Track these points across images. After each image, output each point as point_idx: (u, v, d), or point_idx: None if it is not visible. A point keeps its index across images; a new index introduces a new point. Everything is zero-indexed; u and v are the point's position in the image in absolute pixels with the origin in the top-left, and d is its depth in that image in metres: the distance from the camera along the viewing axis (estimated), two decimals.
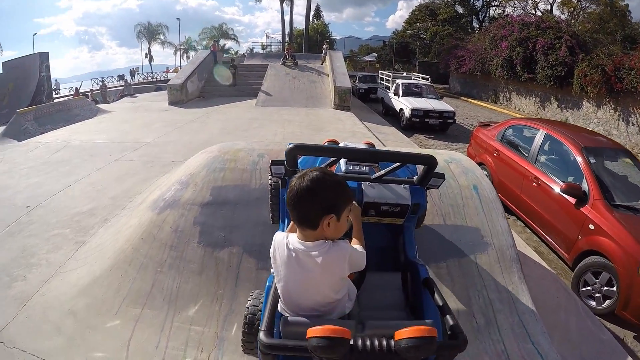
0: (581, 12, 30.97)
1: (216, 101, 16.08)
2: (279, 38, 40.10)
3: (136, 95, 21.47)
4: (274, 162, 2.32)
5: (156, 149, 8.26)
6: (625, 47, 20.24)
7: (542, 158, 5.78)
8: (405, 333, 1.30)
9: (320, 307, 1.63)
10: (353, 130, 11.17)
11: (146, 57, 48.91)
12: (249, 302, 2.23)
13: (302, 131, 10.75)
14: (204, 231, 3.34)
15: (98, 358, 2.67)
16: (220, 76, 17.26)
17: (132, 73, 34.33)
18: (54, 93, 23.37)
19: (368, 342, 1.35)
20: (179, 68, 24.97)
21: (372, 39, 54.98)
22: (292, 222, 1.70)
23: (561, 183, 4.99)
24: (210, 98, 16.94)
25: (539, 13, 30.71)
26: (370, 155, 2.38)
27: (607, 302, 4.17)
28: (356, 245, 1.80)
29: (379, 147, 5.06)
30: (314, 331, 1.28)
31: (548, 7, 32.74)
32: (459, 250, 3.36)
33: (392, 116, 15.60)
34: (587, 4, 30.52)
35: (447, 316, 1.68)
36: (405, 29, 44.42)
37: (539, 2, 33.11)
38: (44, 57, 18.70)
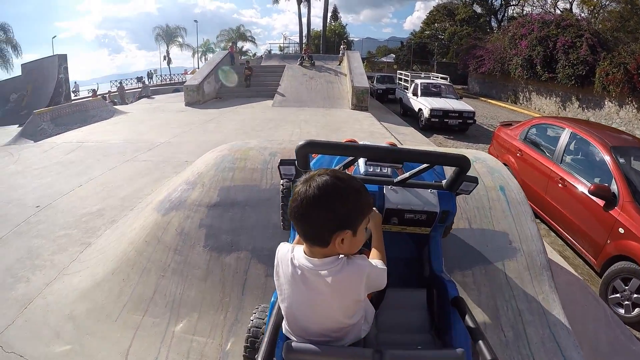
0: (601, 10, 30.08)
1: (233, 102, 16.01)
2: (297, 40, 40.12)
3: (154, 96, 21.59)
4: (283, 162, 2.08)
5: (170, 149, 8.17)
6: None
7: (568, 158, 5.51)
8: None
9: (331, 332, 1.38)
10: (371, 131, 10.93)
11: (164, 59, 49.49)
12: (252, 319, 2.05)
13: (318, 132, 10.55)
14: (210, 234, 3.13)
15: None
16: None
17: (150, 75, 34.58)
18: (73, 95, 23.73)
19: None
20: (197, 70, 25.03)
21: (390, 40, 54.44)
22: None
23: (589, 184, 4.73)
24: (227, 99, 16.88)
25: (558, 12, 29.93)
26: (393, 155, 1.99)
27: (637, 310, 3.93)
28: (375, 259, 1.53)
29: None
30: None
31: (567, 6, 31.89)
32: (485, 257, 3.10)
33: (410, 117, 15.33)
34: (607, 2, 29.61)
35: (481, 343, 1.43)
36: (423, 30, 44.06)
37: (558, 1, 32.28)
38: (62, 59, 18.96)
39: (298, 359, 1.30)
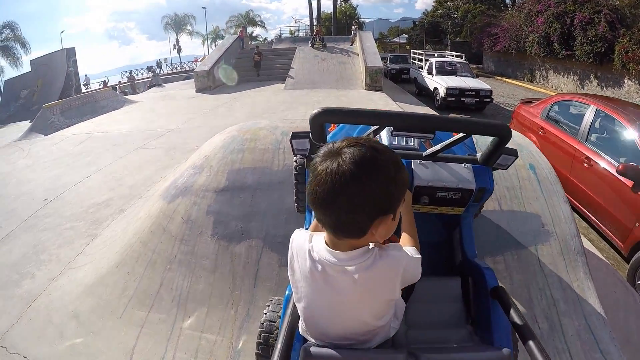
0: None
1: (244, 86, 15.70)
2: (307, 23, 39.43)
3: (164, 85, 21.43)
4: (295, 135, 1.80)
5: (180, 136, 7.98)
6: None
7: (593, 136, 5.16)
8: None
9: (356, 335, 1.14)
10: None
11: (174, 48, 49.14)
12: (265, 313, 1.82)
13: None
14: (219, 221, 2.87)
15: None
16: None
17: (159, 64, 34.34)
18: (84, 88, 23.78)
19: None
20: (207, 56, 24.78)
21: (402, 21, 53.17)
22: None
23: (616, 164, 4.40)
24: (238, 83, 16.56)
25: None
26: (426, 123, 1.66)
27: None
28: (408, 247, 1.27)
29: None
30: None
31: None
32: (517, 241, 2.83)
33: (425, 96, 14.87)
34: None
35: (532, 345, 1.17)
36: (436, 9, 42.83)
37: None
38: (70, 52, 18.95)
39: None
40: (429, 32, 39.84)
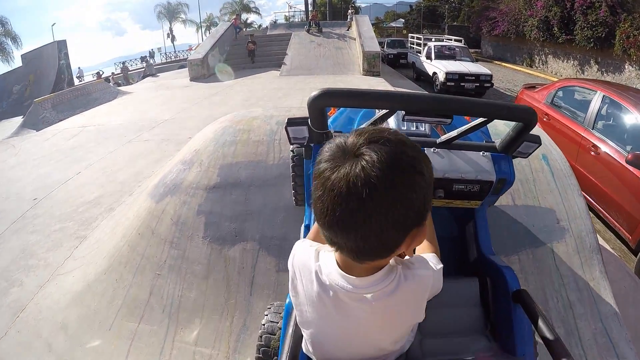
0: None
1: (239, 74, 15.30)
2: (302, 8, 38.77)
3: (158, 74, 21.03)
4: (292, 122, 1.59)
5: (173, 126, 7.73)
6: None
7: (600, 124, 4.99)
8: None
9: (370, 359, 0.99)
10: None
11: (168, 37, 48.33)
12: (264, 322, 1.65)
13: None
14: (210, 222, 2.66)
15: None
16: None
17: (152, 54, 33.66)
18: (77, 81, 23.42)
19: None
20: (200, 44, 24.35)
21: (398, 5, 52.09)
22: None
23: (625, 153, 4.24)
24: (233, 71, 16.19)
25: None
26: (444, 105, 1.44)
27: None
28: (429, 254, 1.06)
29: None
30: None
31: None
32: (532, 239, 2.65)
33: (424, 81, 14.62)
34: None
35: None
36: None
37: None
38: (61, 45, 18.56)
39: None
40: (426, 17, 39.20)
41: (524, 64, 21.78)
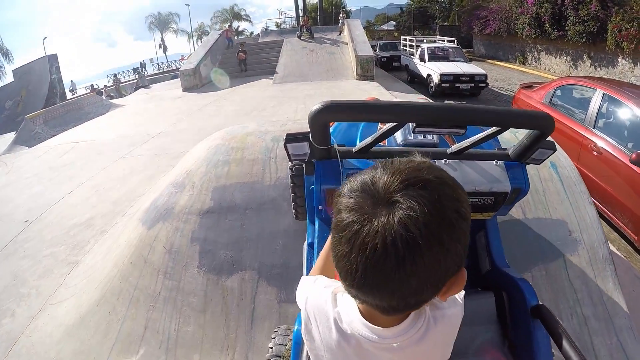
0: None
1: (232, 82, 15.21)
2: (293, 14, 38.71)
3: (151, 86, 20.94)
4: (290, 138, 1.48)
5: (166, 140, 7.60)
6: None
7: (602, 123, 4.89)
8: None
9: None
10: None
11: (160, 47, 48.15)
12: (271, 346, 1.58)
13: None
14: (205, 250, 2.51)
15: None
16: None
17: (143, 65, 33.37)
18: (70, 94, 23.27)
19: None
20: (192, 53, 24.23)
21: (389, 7, 52.16)
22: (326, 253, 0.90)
23: (629, 152, 4.15)
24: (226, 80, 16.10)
25: None
26: (458, 115, 1.35)
27: None
28: None
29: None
30: None
31: None
32: (544, 253, 2.54)
33: (418, 83, 14.52)
34: None
35: None
36: None
37: None
38: (52, 59, 18.50)
39: None
40: (416, 18, 39.48)
41: (517, 61, 21.82)
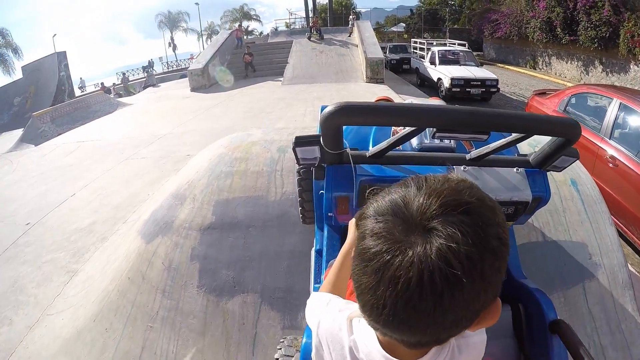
0: None
1: (240, 83, 15.16)
2: (303, 15, 38.61)
3: (159, 84, 20.94)
4: (300, 142, 1.39)
5: (172, 142, 7.50)
6: None
7: (618, 133, 4.69)
8: None
9: None
10: None
11: (169, 46, 48.20)
12: (278, 355, 1.52)
13: None
14: (206, 269, 2.39)
15: None
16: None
17: (151, 64, 33.22)
18: (80, 91, 23.33)
19: None
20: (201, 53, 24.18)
21: (399, 9, 51.89)
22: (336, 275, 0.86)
23: None
24: (234, 80, 16.00)
25: None
26: (482, 120, 1.26)
27: None
28: None
29: None
30: None
31: None
32: (563, 279, 2.41)
33: (428, 87, 14.34)
34: None
35: None
36: None
37: None
38: (61, 56, 18.54)
39: None
40: (427, 20, 39.13)
41: (528, 66, 21.53)
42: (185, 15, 48.58)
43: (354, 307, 0.77)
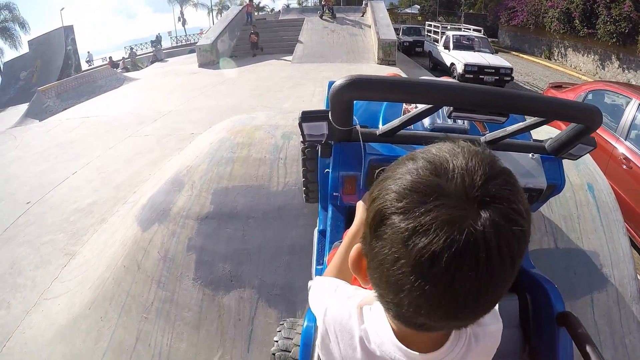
0: None
1: (249, 60, 14.93)
2: None
3: (167, 59, 20.74)
4: (307, 117, 1.31)
5: (177, 119, 7.36)
6: None
7: (635, 135, 4.51)
8: None
9: None
10: None
11: (179, 20, 47.66)
12: (276, 340, 1.49)
13: None
14: (202, 261, 2.30)
15: None
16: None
17: (159, 39, 32.72)
18: (87, 65, 23.17)
19: None
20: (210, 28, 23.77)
21: None
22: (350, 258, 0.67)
23: None
24: (243, 57, 15.77)
25: None
26: (503, 101, 1.18)
27: None
28: None
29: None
30: None
31: None
32: (573, 289, 2.31)
33: (440, 71, 14.09)
34: None
35: None
36: None
37: None
38: (69, 30, 18.37)
39: None
40: (442, 3, 38.28)
41: (543, 56, 20.99)
42: None
43: (363, 293, 0.73)
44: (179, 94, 9.75)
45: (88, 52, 28.36)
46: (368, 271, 0.57)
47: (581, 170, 2.68)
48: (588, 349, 1.16)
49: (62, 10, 25.84)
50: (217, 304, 2.17)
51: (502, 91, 1.19)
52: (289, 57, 14.41)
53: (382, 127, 1.40)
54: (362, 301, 0.72)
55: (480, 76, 11.69)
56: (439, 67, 14.54)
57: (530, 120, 1.36)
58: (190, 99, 9.18)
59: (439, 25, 18.32)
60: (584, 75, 16.01)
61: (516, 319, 1.52)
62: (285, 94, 9.22)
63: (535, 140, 1.59)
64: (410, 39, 19.93)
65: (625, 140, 4.41)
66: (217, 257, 2.32)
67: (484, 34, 16.00)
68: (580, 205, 2.54)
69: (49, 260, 3.50)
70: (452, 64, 12.68)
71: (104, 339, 2.35)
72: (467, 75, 11.70)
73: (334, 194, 1.49)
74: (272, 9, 41.77)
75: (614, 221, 2.55)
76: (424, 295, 0.48)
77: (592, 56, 17.18)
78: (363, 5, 19.25)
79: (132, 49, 26.57)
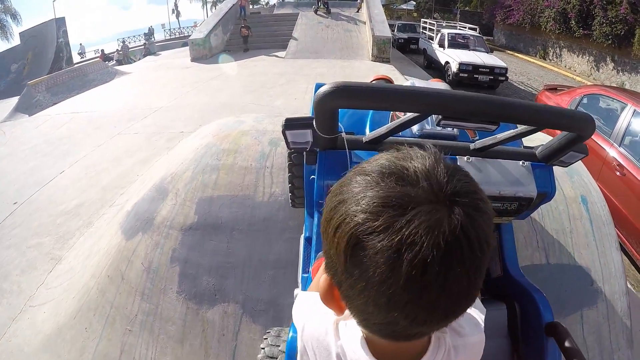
0: None
1: (242, 55, 14.81)
2: None
3: (159, 53, 20.50)
4: (290, 124, 1.27)
5: (167, 116, 7.30)
6: None
7: (629, 141, 4.46)
8: None
9: None
10: None
11: (173, 12, 47.03)
12: (263, 347, 1.46)
13: None
14: (186, 274, 2.26)
15: None
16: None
17: (151, 32, 32.17)
18: (79, 57, 22.88)
19: None
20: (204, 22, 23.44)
21: None
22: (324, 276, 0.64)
23: None
24: (237, 52, 15.60)
25: None
26: (495, 110, 1.16)
27: None
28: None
29: None
30: None
31: None
32: (562, 306, 2.29)
33: (435, 69, 14.04)
34: None
35: None
36: None
37: None
38: (60, 22, 18.18)
39: None
40: (438, 0, 37.94)
41: (537, 55, 21.06)
42: None
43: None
44: (171, 89, 9.65)
45: (80, 44, 27.97)
46: (345, 300, 0.56)
47: (575, 182, 2.66)
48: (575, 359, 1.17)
49: (54, 1, 25.40)
50: (201, 318, 2.14)
51: (492, 99, 1.17)
52: (283, 53, 14.27)
53: (368, 134, 1.37)
54: (338, 317, 0.69)
55: (475, 75, 11.65)
56: (433, 65, 14.48)
57: (521, 127, 1.34)
58: (181, 94, 9.09)
59: (435, 22, 18.22)
60: (578, 76, 16.09)
61: (504, 328, 1.52)
62: (278, 90, 9.14)
63: (525, 147, 1.56)
64: (405, 35, 19.80)
65: (619, 146, 4.38)
66: (201, 270, 2.28)
67: (479, 32, 15.96)
68: (574, 219, 2.52)
69: (34, 265, 3.46)
70: (447, 62, 12.61)
71: (88, 350, 2.32)
72: (461, 75, 11.67)
73: (320, 201, 1.46)
74: (267, 2, 41.40)
75: (606, 235, 2.53)
76: (420, 305, 0.48)
77: (587, 57, 17.25)
78: (359, 1, 19.06)
79: (124, 42, 26.16)
